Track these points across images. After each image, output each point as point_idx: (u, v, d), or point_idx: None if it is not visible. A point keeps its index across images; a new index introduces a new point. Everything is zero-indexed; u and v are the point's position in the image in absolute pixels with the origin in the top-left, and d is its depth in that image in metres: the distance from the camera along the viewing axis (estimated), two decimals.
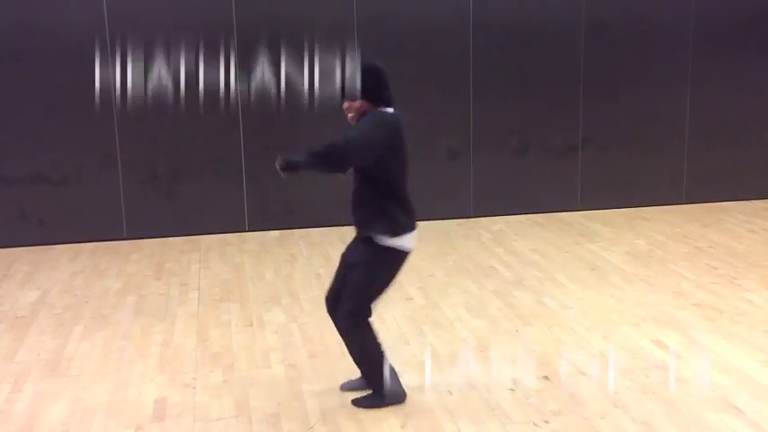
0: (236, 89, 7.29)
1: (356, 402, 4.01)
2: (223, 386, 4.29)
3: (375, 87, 3.76)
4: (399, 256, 3.84)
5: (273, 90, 7.34)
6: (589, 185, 8.12)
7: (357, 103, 3.77)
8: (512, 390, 4.19)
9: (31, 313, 5.49)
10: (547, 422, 3.85)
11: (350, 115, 3.81)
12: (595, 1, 7.81)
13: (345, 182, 3.88)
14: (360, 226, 3.88)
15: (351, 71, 3.75)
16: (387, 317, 5.15)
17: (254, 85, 7.31)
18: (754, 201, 8.37)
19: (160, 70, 7.14)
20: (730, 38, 8.14)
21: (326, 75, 3.77)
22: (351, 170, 3.78)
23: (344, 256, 4.00)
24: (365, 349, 3.93)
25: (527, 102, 7.85)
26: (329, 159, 3.59)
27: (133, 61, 7.07)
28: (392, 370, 4.01)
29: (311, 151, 3.58)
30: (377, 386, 3.98)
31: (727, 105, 8.25)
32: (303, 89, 7.35)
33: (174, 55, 7.14)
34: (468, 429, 3.79)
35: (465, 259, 6.48)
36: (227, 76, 7.26)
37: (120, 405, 4.10)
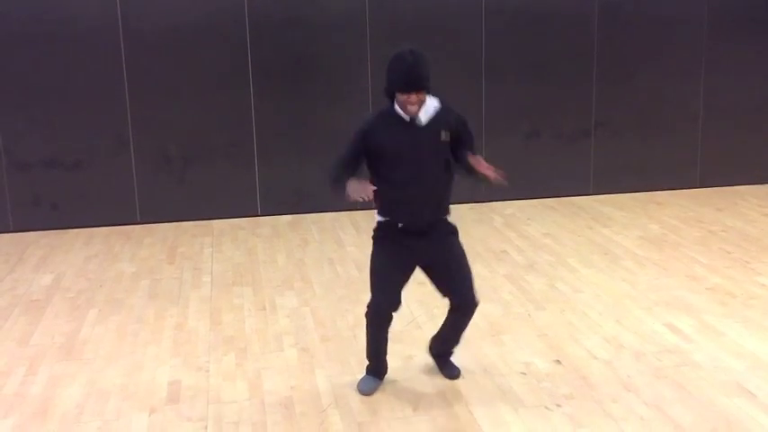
0: (248, 74, 7.29)
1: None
2: (236, 369, 4.32)
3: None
4: None
5: (287, 73, 7.35)
6: (602, 169, 8.08)
7: (423, 95, 3.70)
8: (524, 374, 4.20)
9: (45, 297, 5.53)
10: (559, 406, 3.86)
11: (414, 108, 3.70)
12: None
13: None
14: (441, 219, 3.92)
15: (421, 62, 3.66)
16: None
17: (266, 69, 7.31)
18: None
19: (173, 55, 7.16)
20: (745, 21, 8.06)
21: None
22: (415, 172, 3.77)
23: (436, 255, 3.91)
24: None
25: (539, 86, 7.81)
26: None
27: (145, 46, 7.10)
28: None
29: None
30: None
31: (742, 89, 8.18)
32: (317, 71, 7.37)
33: (187, 42, 7.15)
34: (480, 413, 3.80)
35: (477, 243, 6.47)
36: (239, 60, 7.26)
37: (135, 388, 4.14)
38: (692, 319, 4.87)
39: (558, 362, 4.33)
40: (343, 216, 7.30)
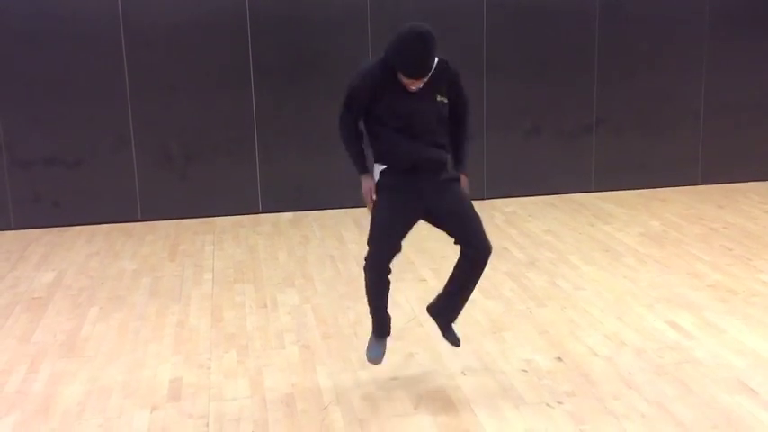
0: (249, 71, 7.29)
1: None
2: (237, 367, 4.32)
3: None
4: None
5: (288, 70, 7.35)
6: (603, 166, 8.08)
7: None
8: (525, 371, 4.20)
9: (47, 294, 5.54)
10: (560, 403, 3.86)
11: (415, 87, 3.67)
12: None
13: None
14: (443, 166, 3.86)
15: (430, 51, 3.59)
16: (400, 298, 5.16)
17: (268, 66, 7.31)
18: None
19: (173, 53, 7.16)
20: (746, 18, 8.05)
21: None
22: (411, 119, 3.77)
23: (437, 199, 3.83)
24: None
25: (541, 82, 7.81)
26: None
27: (146, 44, 7.10)
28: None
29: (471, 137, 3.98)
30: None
31: (743, 86, 8.17)
32: (318, 67, 7.37)
33: (188, 39, 7.15)
34: (481, 410, 3.81)
35: None
36: (240, 57, 7.26)
37: (136, 385, 4.14)
38: (693, 317, 4.87)
39: (560, 359, 4.33)
40: (345, 213, 7.31)
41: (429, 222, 3.90)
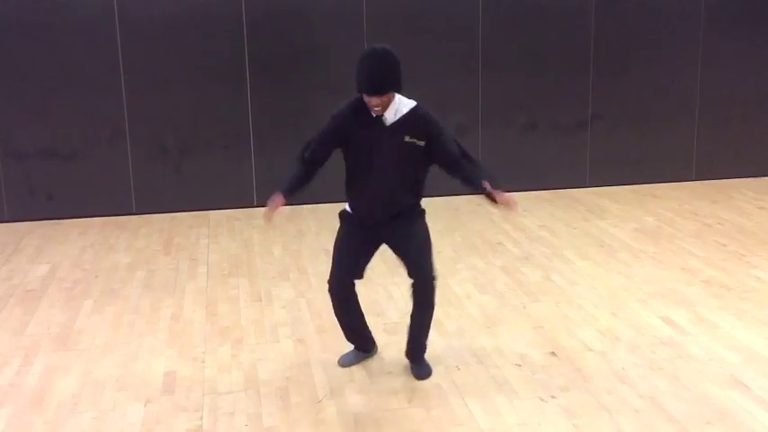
0: (245, 65, 7.27)
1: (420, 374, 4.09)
2: (232, 360, 4.32)
3: (401, 76, 3.74)
4: None
5: (284, 64, 7.34)
6: (598, 162, 8.09)
7: (387, 97, 3.70)
8: (519, 365, 4.21)
9: (41, 287, 5.53)
10: (553, 397, 3.87)
11: (377, 109, 3.73)
12: None
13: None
14: (401, 213, 3.98)
15: (384, 65, 3.70)
16: (395, 293, 5.17)
17: (263, 60, 7.30)
18: (763, 177, 8.33)
19: (169, 46, 7.14)
20: (741, 14, 8.06)
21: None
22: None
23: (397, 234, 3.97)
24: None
25: (536, 77, 7.81)
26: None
27: (142, 37, 7.08)
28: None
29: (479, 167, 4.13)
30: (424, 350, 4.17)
31: (738, 82, 8.18)
32: (313, 62, 7.36)
33: (183, 32, 7.13)
34: (475, 405, 3.81)
35: (473, 235, 6.48)
36: (235, 51, 7.24)
37: (130, 378, 4.14)
38: (686, 312, 4.88)
39: (553, 354, 4.34)
40: (340, 207, 7.28)
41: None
